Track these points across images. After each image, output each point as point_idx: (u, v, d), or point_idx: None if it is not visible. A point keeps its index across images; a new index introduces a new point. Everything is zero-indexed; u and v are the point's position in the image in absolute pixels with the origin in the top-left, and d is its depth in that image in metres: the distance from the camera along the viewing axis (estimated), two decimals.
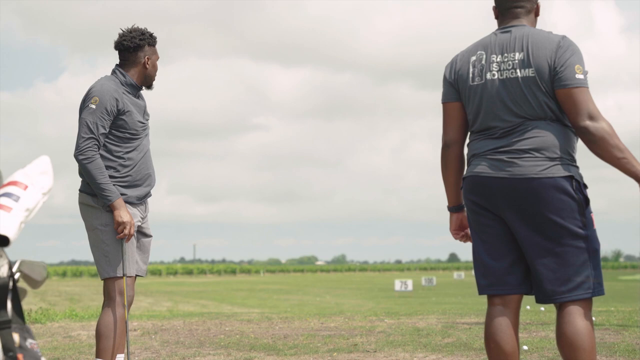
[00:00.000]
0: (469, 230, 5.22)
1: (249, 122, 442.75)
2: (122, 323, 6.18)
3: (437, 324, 13.69)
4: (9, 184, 3.82)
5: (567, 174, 4.80)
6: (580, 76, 4.78)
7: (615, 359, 8.91)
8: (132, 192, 6.17)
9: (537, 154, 4.83)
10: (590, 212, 4.91)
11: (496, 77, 4.89)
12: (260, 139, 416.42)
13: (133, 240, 6.16)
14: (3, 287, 3.65)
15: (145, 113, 6.40)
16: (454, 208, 5.24)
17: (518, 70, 4.85)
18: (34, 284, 3.81)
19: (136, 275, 6.31)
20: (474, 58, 4.99)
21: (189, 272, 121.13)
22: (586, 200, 4.87)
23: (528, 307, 17.52)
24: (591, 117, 4.74)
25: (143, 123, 6.35)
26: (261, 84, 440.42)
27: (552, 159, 4.82)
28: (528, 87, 4.82)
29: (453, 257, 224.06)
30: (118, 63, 6.46)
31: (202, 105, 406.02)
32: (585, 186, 4.90)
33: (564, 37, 4.90)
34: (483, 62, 4.94)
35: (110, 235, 6.08)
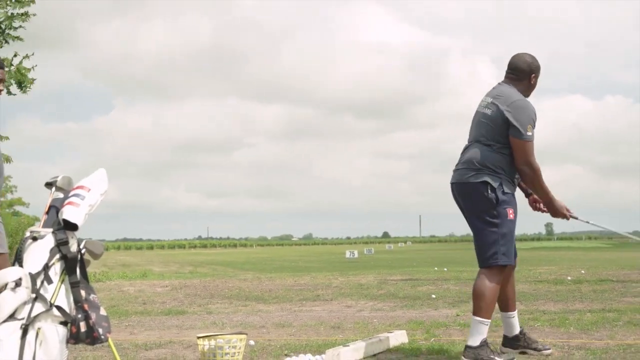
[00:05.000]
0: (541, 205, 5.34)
1: (242, 142, 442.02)
2: None
3: (374, 281, 13.71)
4: (78, 187, 3.81)
5: (482, 180, 4.89)
6: (529, 133, 4.87)
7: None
8: None
9: (467, 166, 5.00)
10: (505, 208, 4.89)
11: (479, 110, 5.08)
12: (251, 154, 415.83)
13: None
14: (74, 259, 3.64)
15: None
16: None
17: (486, 109, 5.01)
18: (95, 256, 3.80)
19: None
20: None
21: (205, 246, 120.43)
22: (497, 199, 4.87)
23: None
24: (528, 164, 4.94)
25: None
26: (249, 115, 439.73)
27: (476, 170, 4.93)
28: (485, 120, 4.98)
29: (385, 234, 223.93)
30: None
31: (210, 130, 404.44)
32: (502, 190, 4.89)
33: (515, 100, 4.94)
34: (482, 99, 5.13)
35: None
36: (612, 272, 14.34)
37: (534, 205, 5.37)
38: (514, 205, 4.98)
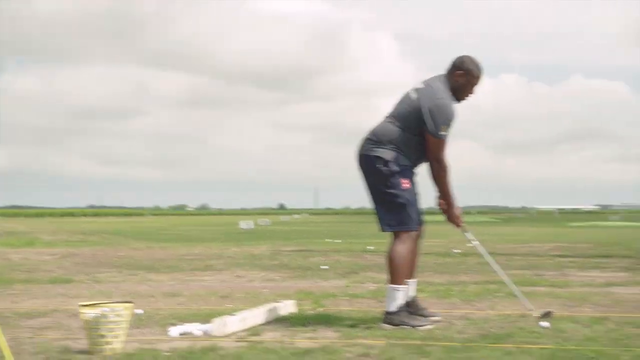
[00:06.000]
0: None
1: (138, 110, 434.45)
2: None
3: (267, 251, 13.79)
4: None
5: (375, 154, 5.06)
6: (442, 133, 5.01)
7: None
8: None
9: (368, 137, 5.16)
10: (399, 178, 5.04)
11: (408, 90, 5.21)
12: (147, 122, 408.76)
13: None
14: None
15: None
16: None
17: (413, 92, 5.15)
18: None
19: None
20: None
21: (97, 215, 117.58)
22: (391, 171, 5.02)
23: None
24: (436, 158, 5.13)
25: None
26: (146, 83, 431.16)
27: (374, 143, 5.10)
28: (407, 102, 5.12)
29: (281, 206, 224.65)
30: None
31: (105, 97, 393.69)
32: (397, 163, 5.03)
33: (438, 98, 5.03)
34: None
35: None
36: (499, 246, 14.88)
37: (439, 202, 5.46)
38: (408, 175, 5.14)
